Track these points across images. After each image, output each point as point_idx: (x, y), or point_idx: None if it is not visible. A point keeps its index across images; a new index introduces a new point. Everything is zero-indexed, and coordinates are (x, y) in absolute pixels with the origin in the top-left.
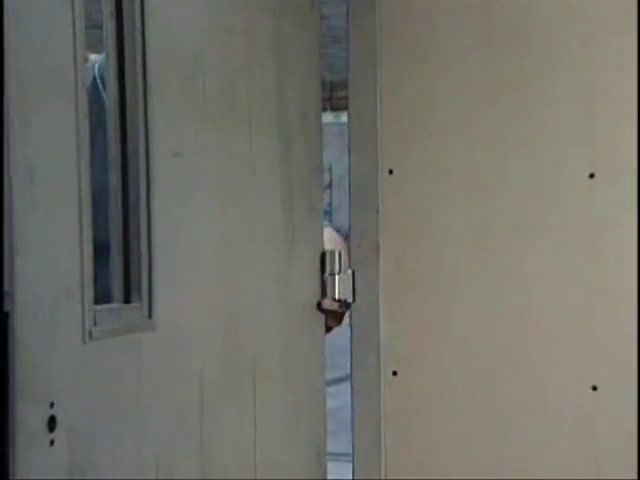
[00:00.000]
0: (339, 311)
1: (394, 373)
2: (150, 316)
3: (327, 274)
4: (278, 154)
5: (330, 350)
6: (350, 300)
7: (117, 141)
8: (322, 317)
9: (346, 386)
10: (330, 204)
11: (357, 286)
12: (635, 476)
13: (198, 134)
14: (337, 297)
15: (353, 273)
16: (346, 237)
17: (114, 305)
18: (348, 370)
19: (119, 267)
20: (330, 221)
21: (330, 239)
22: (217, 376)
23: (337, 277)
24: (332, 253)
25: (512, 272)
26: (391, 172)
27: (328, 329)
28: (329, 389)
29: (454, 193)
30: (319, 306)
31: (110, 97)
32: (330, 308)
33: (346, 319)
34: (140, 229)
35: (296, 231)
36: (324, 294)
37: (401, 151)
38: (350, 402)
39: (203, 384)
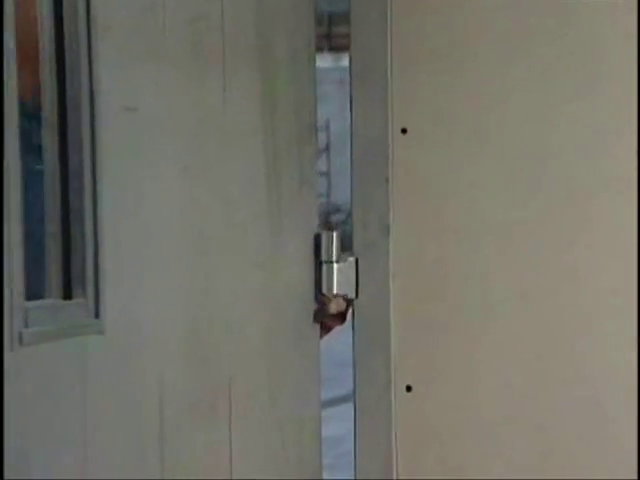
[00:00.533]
0: (343, 310)
1: (408, 388)
2: (97, 315)
3: (322, 262)
4: (259, 108)
5: (330, 359)
6: (352, 296)
7: (52, 91)
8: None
9: (349, 408)
10: (327, 172)
11: (361, 278)
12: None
13: (157, 82)
14: (335, 292)
15: (356, 261)
16: (347, 215)
17: (51, 301)
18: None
19: (57, 254)
20: (327, 195)
21: None
22: (181, 391)
23: (335, 266)
24: (329, 235)
25: (551, 260)
26: (404, 131)
27: (327, 329)
28: (328, 411)
29: (484, 158)
30: (319, 309)
31: (43, 35)
32: (335, 311)
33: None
34: (83, 205)
35: (283, 207)
36: (319, 288)
37: (417, 104)
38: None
39: (163, 401)
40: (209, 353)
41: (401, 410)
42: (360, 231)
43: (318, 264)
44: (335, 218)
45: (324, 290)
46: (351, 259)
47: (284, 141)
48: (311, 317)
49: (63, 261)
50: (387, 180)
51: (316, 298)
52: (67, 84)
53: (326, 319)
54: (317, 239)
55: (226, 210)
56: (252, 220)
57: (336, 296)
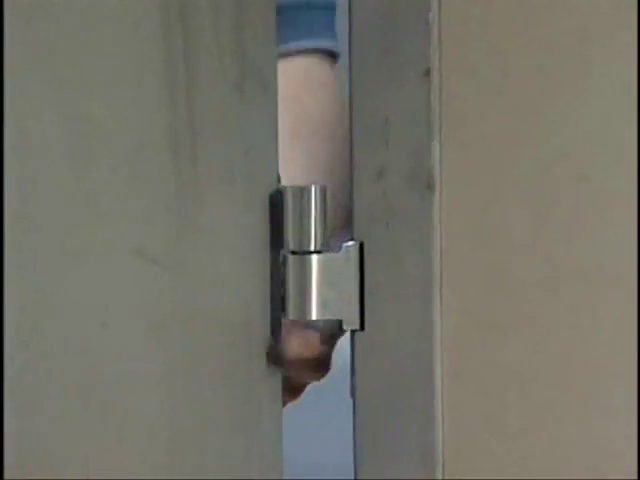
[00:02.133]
0: (318, 356)
1: None
2: None
3: (286, 254)
4: None
5: None
6: (354, 325)
7: None
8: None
9: None
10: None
11: (371, 285)
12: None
13: None
14: (314, 315)
15: (361, 249)
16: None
17: None
18: None
19: None
20: None
21: None
22: None
23: (314, 259)
24: (304, 192)
25: None
26: None
27: (295, 390)
28: None
29: None
30: (272, 354)
31: None
32: (299, 353)
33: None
34: None
35: (198, 134)
36: (277, 308)
37: None
38: None
39: None
40: None
41: None
42: (370, 186)
43: (276, 258)
44: None
45: (289, 314)
46: (350, 245)
47: None
48: (262, 366)
49: None
50: (427, 72)
51: (272, 330)
52: None
53: (291, 370)
54: (274, 202)
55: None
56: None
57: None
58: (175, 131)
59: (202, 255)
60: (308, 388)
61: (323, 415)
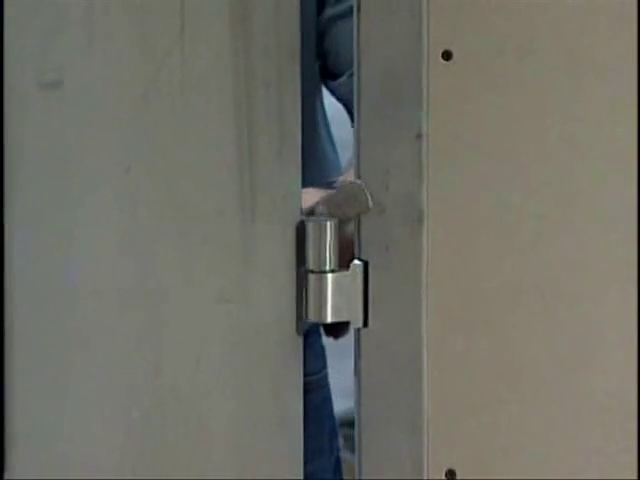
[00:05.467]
0: None
1: (450, 473)
2: None
3: (307, 271)
4: (229, 47)
5: None
6: (358, 324)
7: None
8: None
9: None
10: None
11: (373, 294)
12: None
13: (90, 39)
14: (329, 319)
15: (365, 267)
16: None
17: None
18: None
19: None
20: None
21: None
22: None
23: (329, 278)
24: (320, 226)
25: None
26: (447, 56)
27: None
28: None
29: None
30: None
31: None
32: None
33: None
34: None
35: (257, 192)
36: (301, 314)
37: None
38: None
39: None
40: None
41: None
42: (374, 220)
43: (302, 275)
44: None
45: (311, 316)
46: (357, 264)
47: (261, 86)
48: (294, 369)
49: None
50: (419, 136)
51: (297, 332)
52: None
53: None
54: (299, 233)
55: (183, 222)
56: (218, 231)
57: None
58: (242, 197)
59: (255, 284)
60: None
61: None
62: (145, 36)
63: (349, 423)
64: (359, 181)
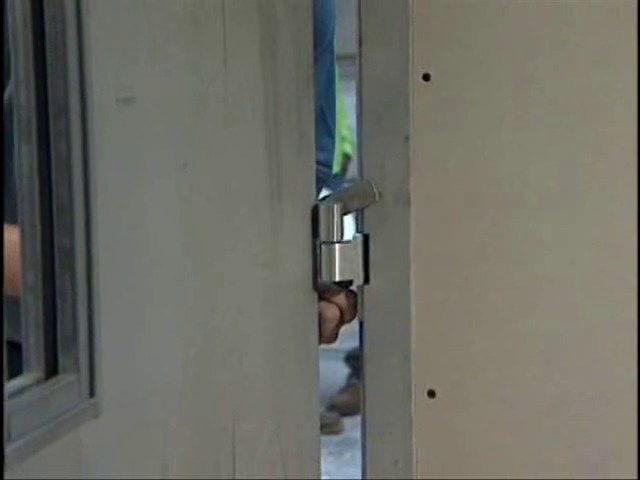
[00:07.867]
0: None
1: (431, 394)
2: (92, 394)
3: (321, 243)
4: (260, 72)
5: None
6: (359, 281)
7: (28, 86)
8: (316, 320)
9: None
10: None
11: (373, 259)
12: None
13: (155, 62)
14: (337, 278)
15: (365, 238)
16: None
17: (33, 392)
18: None
19: (36, 312)
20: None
21: None
22: (185, 465)
23: (337, 247)
24: (329, 208)
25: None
26: (427, 78)
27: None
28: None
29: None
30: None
31: (17, 15)
32: (337, 307)
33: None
34: (74, 245)
35: (282, 182)
36: (316, 275)
37: (446, 42)
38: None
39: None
40: (212, 400)
41: (422, 422)
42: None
43: (316, 245)
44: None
45: (324, 277)
46: (357, 236)
47: (283, 101)
48: (312, 318)
49: (44, 321)
50: (407, 138)
51: (314, 288)
52: (48, 75)
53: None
54: (314, 214)
55: (228, 206)
56: (254, 213)
57: (337, 289)
58: (272, 197)
59: (282, 252)
60: None
61: None
62: (197, 64)
63: (355, 357)
64: (369, 181)
